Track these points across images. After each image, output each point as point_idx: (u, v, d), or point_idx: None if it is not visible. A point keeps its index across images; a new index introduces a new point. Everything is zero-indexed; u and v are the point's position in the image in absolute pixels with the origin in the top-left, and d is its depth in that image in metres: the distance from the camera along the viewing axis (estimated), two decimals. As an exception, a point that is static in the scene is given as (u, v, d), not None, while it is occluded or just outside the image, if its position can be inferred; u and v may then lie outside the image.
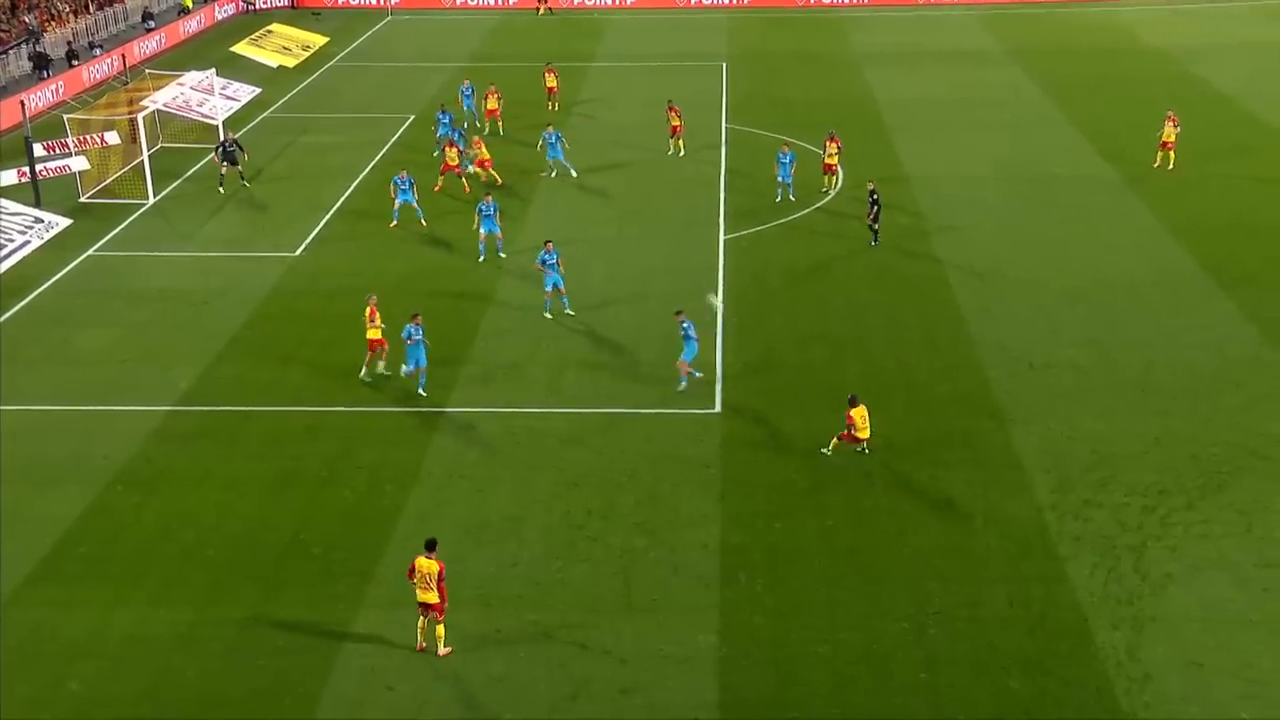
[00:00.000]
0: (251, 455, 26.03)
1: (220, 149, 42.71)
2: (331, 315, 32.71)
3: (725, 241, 37.22)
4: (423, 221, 38.34)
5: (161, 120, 47.76)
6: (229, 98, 49.45)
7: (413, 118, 51.16)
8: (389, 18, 73.79)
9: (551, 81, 51.52)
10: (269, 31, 63.48)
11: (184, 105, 46.57)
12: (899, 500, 23.96)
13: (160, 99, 45.69)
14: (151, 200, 41.65)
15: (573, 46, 64.34)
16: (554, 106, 51.32)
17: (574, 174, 42.41)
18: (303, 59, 60.45)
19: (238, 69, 56.62)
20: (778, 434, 26.46)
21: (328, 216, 40.06)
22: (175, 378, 29.35)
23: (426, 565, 19.79)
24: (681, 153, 45.06)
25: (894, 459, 25.36)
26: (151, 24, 66.92)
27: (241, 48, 59.46)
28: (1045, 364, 29.28)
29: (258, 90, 52.12)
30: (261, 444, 26.46)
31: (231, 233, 38.98)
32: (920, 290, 33.63)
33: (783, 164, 39.92)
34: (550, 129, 42.85)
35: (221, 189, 42.29)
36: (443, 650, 20.03)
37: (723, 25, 69.94)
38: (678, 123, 45.19)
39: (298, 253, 37.08)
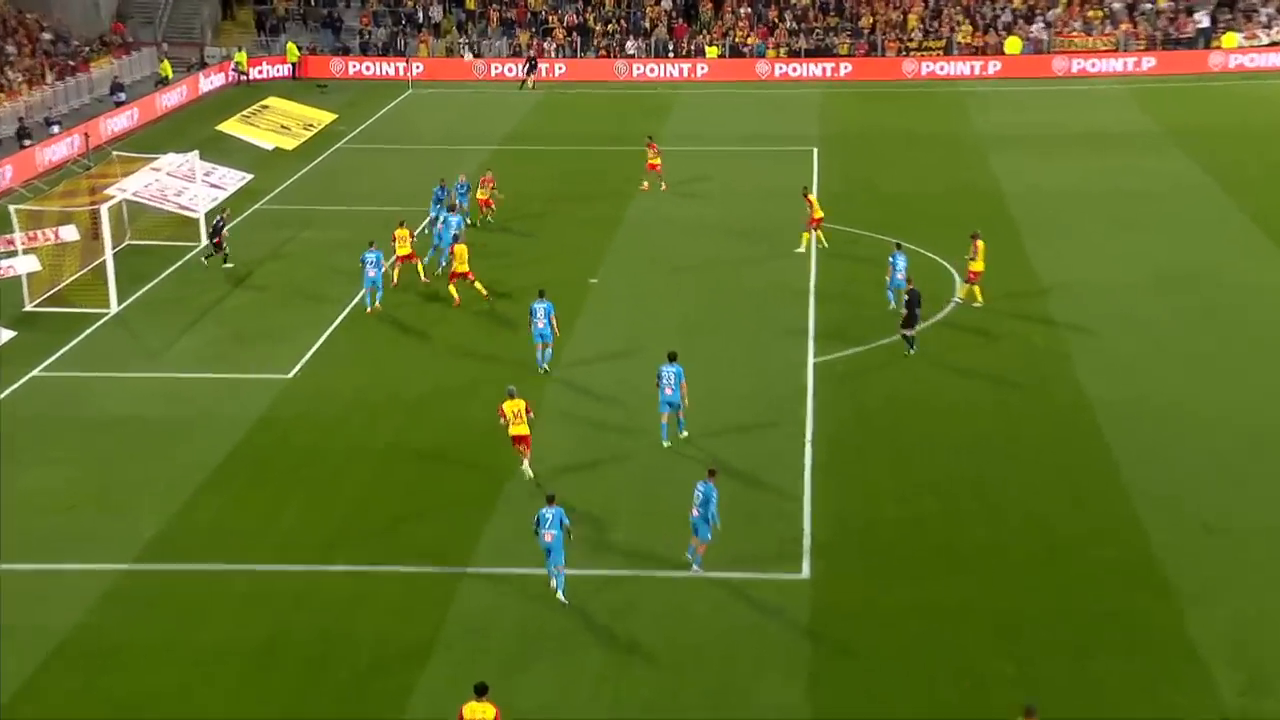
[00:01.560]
0: (228, 624, 26.14)
1: (215, 229, 45.73)
2: (331, 451, 33.03)
3: (815, 365, 37.33)
4: (377, 305, 41.25)
5: (130, 212, 49.08)
6: (214, 185, 50.66)
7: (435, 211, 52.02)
8: (409, 91, 75.76)
9: (654, 158, 54.03)
10: (265, 107, 65.21)
11: (158, 194, 47.76)
12: (1042, 698, 23.45)
13: (129, 187, 46.91)
14: (114, 309, 42.58)
15: (632, 126, 65.56)
16: (662, 185, 54.05)
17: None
18: (304, 139, 61.98)
19: (225, 151, 58.12)
20: (880, 607, 26.17)
21: (330, 329, 40.72)
22: (137, 528, 29.66)
23: (479, 711, 21.00)
24: (825, 245, 46.53)
25: (1030, 645, 24.92)
26: (122, 97, 69.05)
27: (231, 126, 61.11)
28: (1226, 527, 28.84)
29: (249, 177, 53.30)
30: (241, 611, 26.58)
31: (211, 349, 39.68)
32: (1060, 429, 33.41)
33: (895, 268, 40.23)
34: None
35: (205, 262, 45.92)
36: None
37: (814, 102, 71.09)
38: (819, 213, 46.21)
39: (292, 374, 37.64)
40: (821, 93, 73.55)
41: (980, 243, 40.90)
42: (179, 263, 46.94)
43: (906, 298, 37.85)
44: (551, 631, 25.56)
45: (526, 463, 31.05)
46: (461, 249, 41.99)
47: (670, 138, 62.70)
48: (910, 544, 28.45)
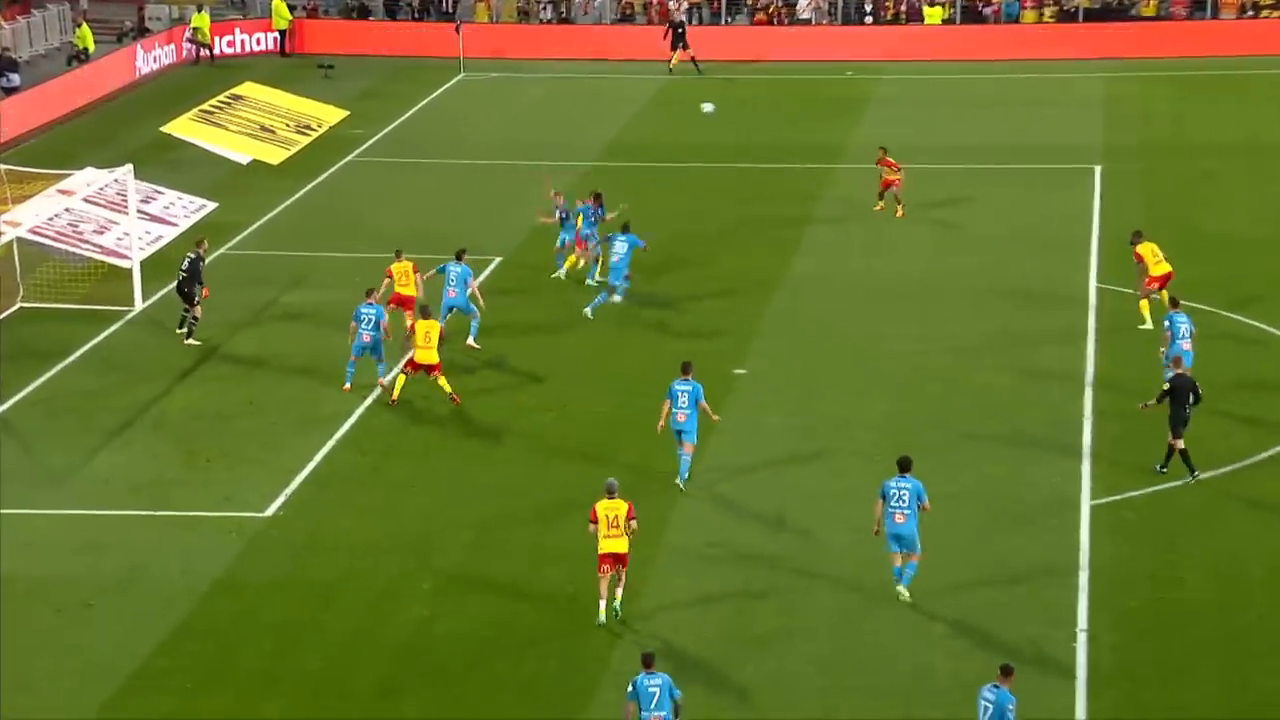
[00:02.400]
0: None
1: (187, 273, 46.09)
2: (328, 635, 32.99)
3: (1092, 510, 36.93)
4: (382, 382, 42.49)
5: (25, 259, 49.71)
6: (156, 218, 51.08)
7: (498, 261, 52.55)
8: (460, 75, 76.52)
9: (891, 174, 55.74)
10: (237, 98, 65.59)
11: (70, 232, 48.41)
12: None
13: (24, 220, 47.56)
14: (-1, 409, 43.25)
15: (806, 133, 65.83)
16: (899, 210, 55.54)
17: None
18: (297, 148, 62.30)
19: (175, 165, 58.97)
20: None
21: (330, 444, 41.00)
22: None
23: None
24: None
25: None
26: (15, 79, 70.01)
27: (184, 126, 61.50)
28: None
29: (209, 206, 53.88)
30: None
31: (146, 471, 40.01)
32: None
33: (1175, 334, 40.60)
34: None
35: (185, 330, 46.88)
36: None
37: (1096, 94, 70.78)
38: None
39: (269, 511, 37.84)
40: (1109, 78, 73.34)
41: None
42: (99, 336, 47.57)
43: (1167, 386, 37.60)
44: None
45: (614, 596, 32.65)
46: (433, 326, 42.49)
47: (861, 152, 62.62)
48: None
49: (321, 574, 35.25)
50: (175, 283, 46.30)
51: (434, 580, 34.74)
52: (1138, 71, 74.24)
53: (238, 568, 35.53)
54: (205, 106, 63.14)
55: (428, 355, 41.62)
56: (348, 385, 42.92)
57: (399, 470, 39.74)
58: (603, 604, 32.19)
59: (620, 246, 47.36)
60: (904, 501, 32.21)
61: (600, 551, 32.11)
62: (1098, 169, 60.19)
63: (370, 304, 42.55)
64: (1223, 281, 49.09)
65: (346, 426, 41.82)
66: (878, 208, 55.79)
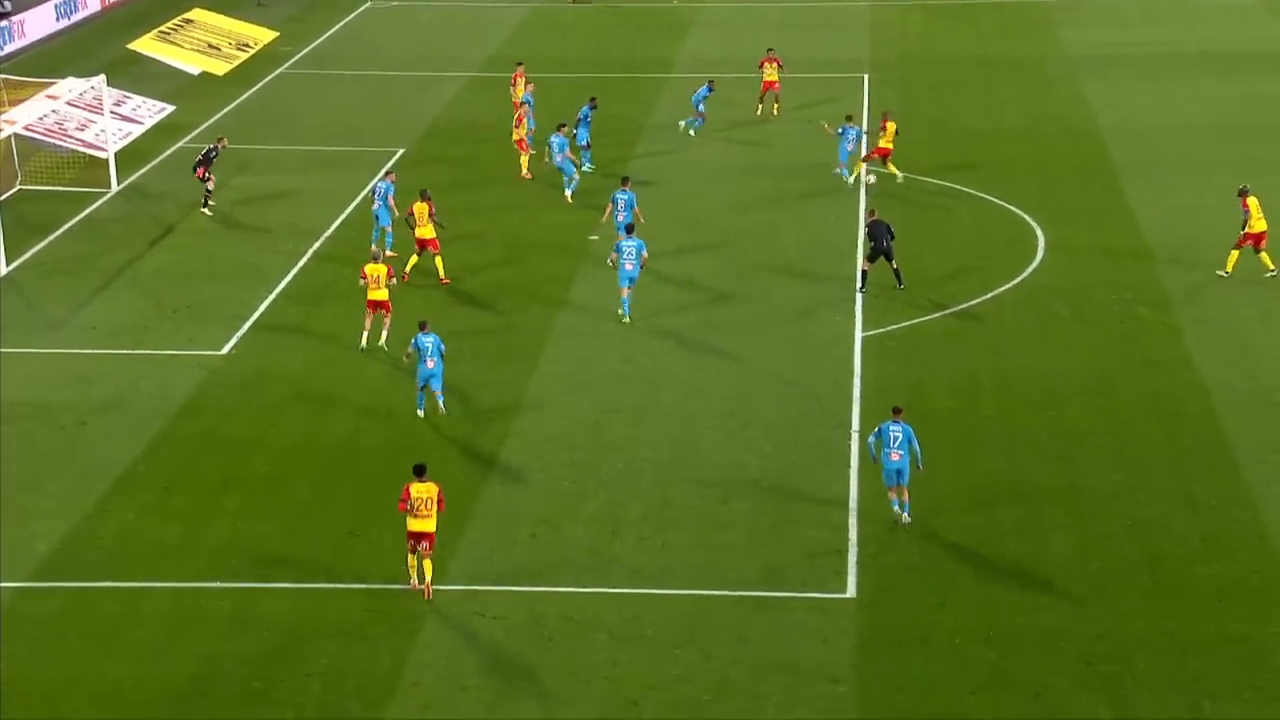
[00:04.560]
0: (144, 654, 26.37)
1: (205, 158, 45.69)
2: (272, 446, 33.36)
3: (864, 340, 37.62)
4: (388, 252, 41.22)
5: (22, 151, 49.30)
6: (126, 118, 50.81)
7: (400, 153, 52.43)
8: (367, 4, 75.83)
9: (771, 74, 55.42)
10: (188, 21, 65.01)
11: (57, 129, 48.03)
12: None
13: (20, 119, 47.07)
14: (3, 270, 42.95)
15: (641, 51, 65.79)
16: (775, 109, 55.49)
17: (584, 171, 48.04)
18: (238, 62, 61.90)
19: (139, 76, 58.27)
20: (941, 634, 26.43)
21: (270, 297, 41.00)
22: (30, 536, 29.91)
23: (422, 491, 27.11)
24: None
25: (1130, 683, 25.15)
26: (7, 6, 68.92)
27: (146, 44, 60.92)
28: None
29: (169, 109, 53.46)
30: (160, 637, 26.82)
31: (125, 320, 39.95)
32: (1169, 419, 33.69)
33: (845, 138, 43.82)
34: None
35: (207, 209, 46.29)
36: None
37: (863, 18, 71.13)
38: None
39: (225, 350, 37.95)
40: (871, 6, 73.48)
41: (1253, 200, 39.96)
42: (83, 213, 47.22)
43: (868, 229, 39.55)
44: (539, 663, 25.83)
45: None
46: (421, 208, 41.00)
47: (689, 63, 63.07)
48: (979, 557, 28.66)
49: (267, 399, 35.52)
50: (198, 163, 46.18)
51: (358, 402, 35.06)
52: (895, 2, 74.38)
53: (200, 394, 35.75)
54: (162, 28, 62.47)
55: (425, 231, 40.19)
56: (381, 253, 40.03)
57: (328, 318, 39.70)
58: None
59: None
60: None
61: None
62: (866, 77, 60.50)
63: (387, 180, 42.25)
64: (959, 163, 49.64)
65: (284, 283, 41.80)
66: (758, 112, 55.36)
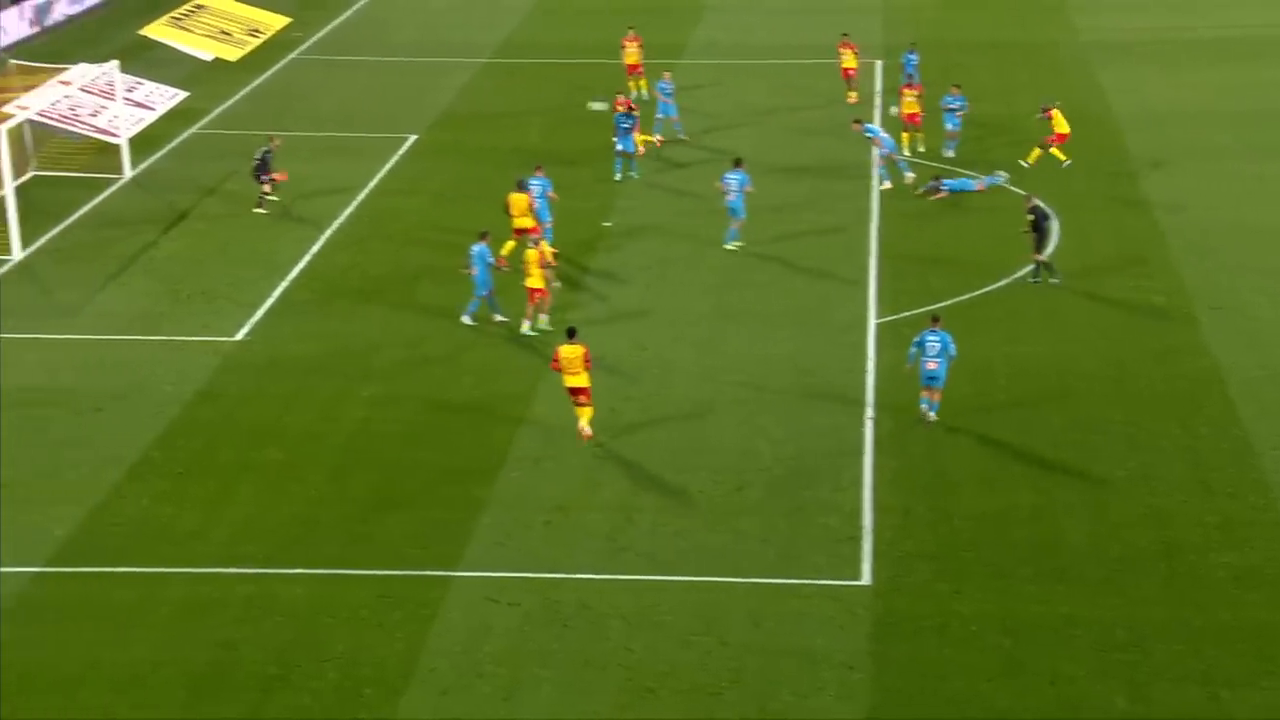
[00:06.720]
0: (161, 640, 26.42)
1: (263, 161, 45.19)
2: (288, 431, 33.44)
3: (878, 327, 37.67)
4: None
5: (36, 137, 49.35)
6: (138, 104, 50.81)
7: (413, 139, 52.46)
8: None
9: (850, 60, 55.48)
10: (200, 7, 65.04)
11: (70, 115, 47.99)
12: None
13: (33, 104, 47.04)
14: (17, 255, 42.98)
15: (652, 36, 65.43)
16: (854, 96, 55.24)
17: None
18: (250, 48, 61.88)
19: (152, 62, 58.20)
20: (956, 622, 26.50)
21: (285, 284, 41.05)
22: (47, 522, 29.97)
23: (570, 352, 31.19)
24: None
25: (1146, 671, 25.19)
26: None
27: (158, 30, 60.88)
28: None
29: (182, 94, 53.48)
30: (177, 624, 26.87)
31: (140, 306, 40.03)
32: (1184, 406, 33.75)
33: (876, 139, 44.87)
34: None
35: (264, 209, 45.53)
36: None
37: (876, 3, 70.83)
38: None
39: (239, 336, 38.02)
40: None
41: (1056, 112, 45.92)
42: (97, 199, 47.28)
43: (1031, 216, 39.50)
44: (555, 650, 25.91)
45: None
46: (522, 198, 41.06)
47: (700, 49, 63.14)
48: (995, 544, 28.74)
49: (281, 386, 35.57)
50: (256, 169, 45.55)
51: (371, 390, 35.12)
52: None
53: (215, 381, 35.80)
54: (175, 14, 62.37)
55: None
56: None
57: (342, 304, 39.80)
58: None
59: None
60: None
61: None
62: (879, 64, 60.33)
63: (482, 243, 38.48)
64: (972, 150, 49.55)
65: (298, 270, 41.85)
66: (853, 99, 55.00)
